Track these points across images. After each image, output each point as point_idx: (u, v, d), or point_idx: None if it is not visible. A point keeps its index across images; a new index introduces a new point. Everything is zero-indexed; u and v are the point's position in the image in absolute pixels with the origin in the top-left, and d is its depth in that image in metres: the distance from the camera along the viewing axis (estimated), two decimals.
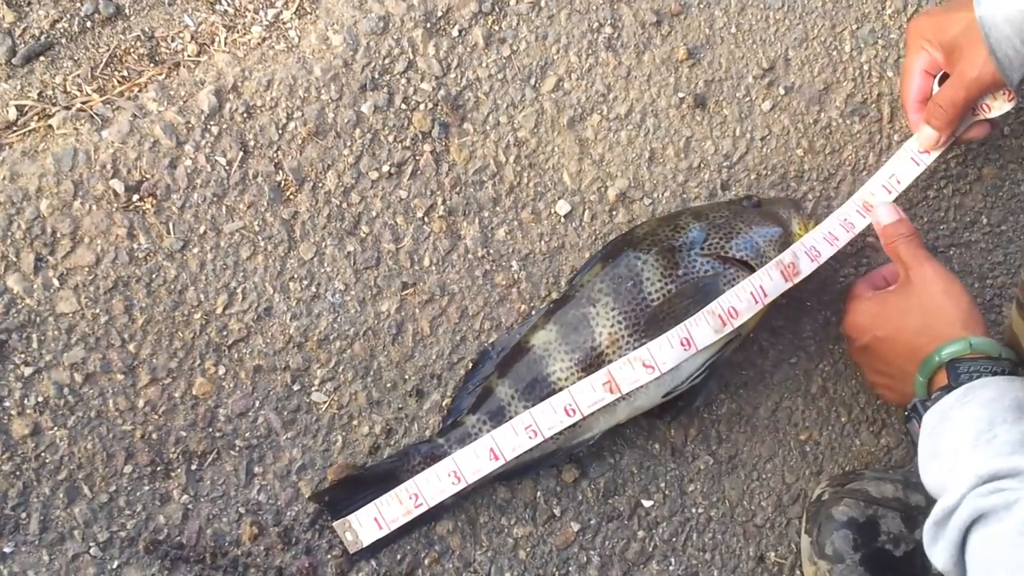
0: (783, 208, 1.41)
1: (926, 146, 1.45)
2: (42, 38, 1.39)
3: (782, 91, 1.53)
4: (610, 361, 1.31)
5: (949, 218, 1.56)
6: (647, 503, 1.43)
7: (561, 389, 1.30)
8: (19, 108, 1.36)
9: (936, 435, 1.21)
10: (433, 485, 1.30)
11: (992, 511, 1.08)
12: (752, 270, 1.34)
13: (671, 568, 1.42)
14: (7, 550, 1.24)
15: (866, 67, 1.56)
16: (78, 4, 1.41)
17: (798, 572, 1.45)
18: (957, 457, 1.16)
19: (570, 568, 1.39)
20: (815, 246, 1.35)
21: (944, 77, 1.44)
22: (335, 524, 1.31)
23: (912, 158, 1.47)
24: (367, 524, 1.30)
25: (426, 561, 1.35)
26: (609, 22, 1.49)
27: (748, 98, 1.53)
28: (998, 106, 1.42)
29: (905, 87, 1.47)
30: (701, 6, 1.52)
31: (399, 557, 1.34)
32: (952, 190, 1.56)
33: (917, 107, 1.46)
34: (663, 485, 1.43)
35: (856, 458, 1.50)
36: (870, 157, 1.53)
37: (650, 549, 1.42)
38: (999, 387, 1.20)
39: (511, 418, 1.31)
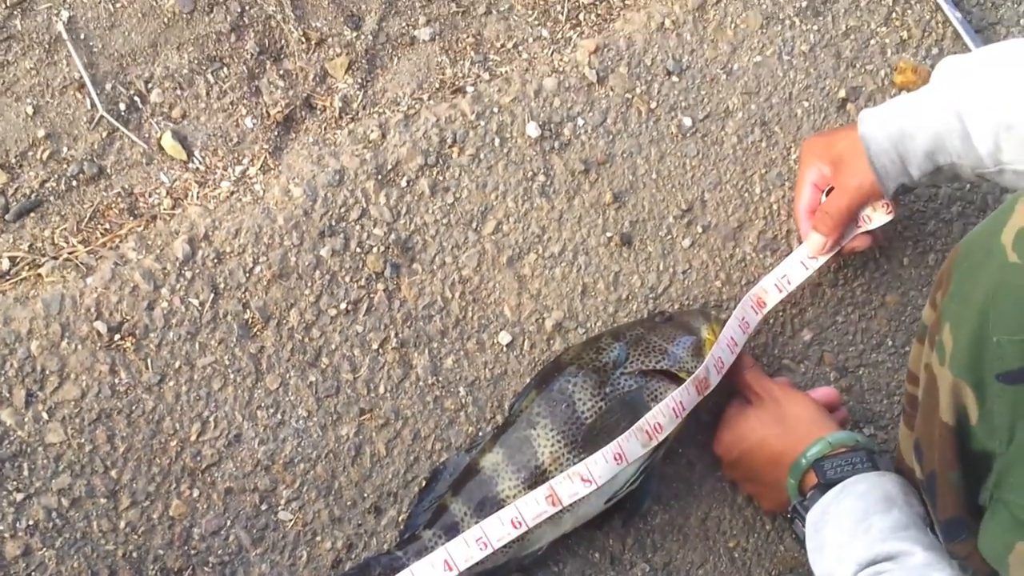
0: (692, 318, 1.48)
1: (814, 251, 1.53)
2: (32, 196, 1.45)
3: (700, 229, 1.61)
4: (553, 477, 1.36)
5: (857, 341, 1.64)
6: None
7: None
8: (12, 259, 1.41)
9: (819, 530, 1.30)
10: None
11: None
12: (672, 378, 1.41)
13: None
14: None
15: (775, 207, 1.64)
16: (65, 165, 1.46)
17: None
18: (840, 548, 1.25)
19: None
20: (721, 357, 1.42)
21: (831, 191, 1.52)
22: None
23: (802, 262, 1.54)
24: None
25: None
26: (542, 171, 1.57)
27: (670, 236, 1.60)
28: (878, 217, 1.51)
29: (797, 199, 1.55)
30: (624, 155, 1.60)
31: None
32: (859, 316, 1.64)
33: (807, 216, 1.53)
34: None
35: (781, 563, 1.56)
36: None
37: None
38: (870, 482, 1.30)
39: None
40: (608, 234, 1.59)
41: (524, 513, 1.35)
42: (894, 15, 1.74)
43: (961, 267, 1.14)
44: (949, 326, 1.13)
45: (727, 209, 1.64)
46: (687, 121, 1.65)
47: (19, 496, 1.34)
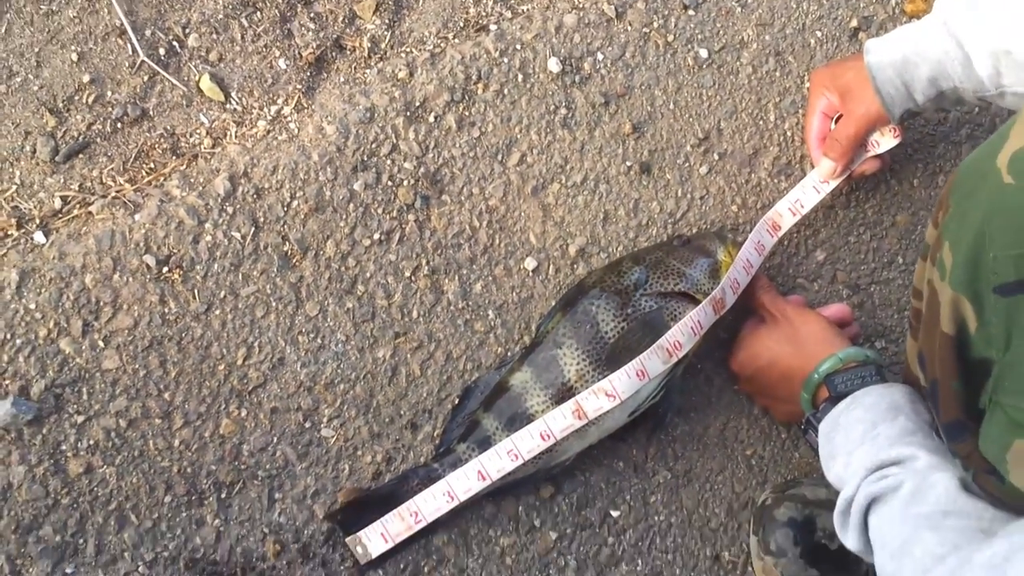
0: (708, 240, 1.52)
1: (825, 176, 1.58)
2: (80, 138, 1.49)
3: (717, 157, 1.65)
4: (579, 392, 1.41)
5: (869, 260, 1.69)
6: (615, 513, 1.53)
7: None
8: (63, 198, 1.46)
9: (831, 439, 1.36)
10: (430, 503, 1.40)
11: (882, 494, 1.23)
12: (690, 300, 1.45)
13: (638, 569, 1.53)
14: (69, 571, 1.34)
15: (789, 133, 1.68)
16: (109, 108, 1.51)
17: (749, 568, 1.56)
18: (849, 455, 1.30)
19: (550, 571, 1.49)
20: (736, 278, 1.47)
21: (840, 118, 1.56)
22: (347, 540, 1.41)
23: (814, 186, 1.59)
24: (375, 539, 1.40)
25: (426, 569, 1.44)
26: (564, 104, 1.62)
27: (687, 164, 1.64)
28: (886, 142, 1.56)
29: (807, 127, 1.60)
30: (643, 87, 1.65)
31: (402, 566, 1.44)
32: (871, 235, 1.69)
33: (818, 143, 1.58)
34: (628, 497, 1.54)
35: (796, 468, 1.61)
36: None
37: (619, 553, 1.52)
38: (878, 393, 1.35)
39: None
40: (628, 163, 1.63)
41: (552, 427, 1.40)
42: None
43: (959, 190, 1.18)
44: (948, 245, 1.17)
45: (743, 137, 1.68)
46: (703, 53, 1.68)
47: (80, 419, 1.39)
